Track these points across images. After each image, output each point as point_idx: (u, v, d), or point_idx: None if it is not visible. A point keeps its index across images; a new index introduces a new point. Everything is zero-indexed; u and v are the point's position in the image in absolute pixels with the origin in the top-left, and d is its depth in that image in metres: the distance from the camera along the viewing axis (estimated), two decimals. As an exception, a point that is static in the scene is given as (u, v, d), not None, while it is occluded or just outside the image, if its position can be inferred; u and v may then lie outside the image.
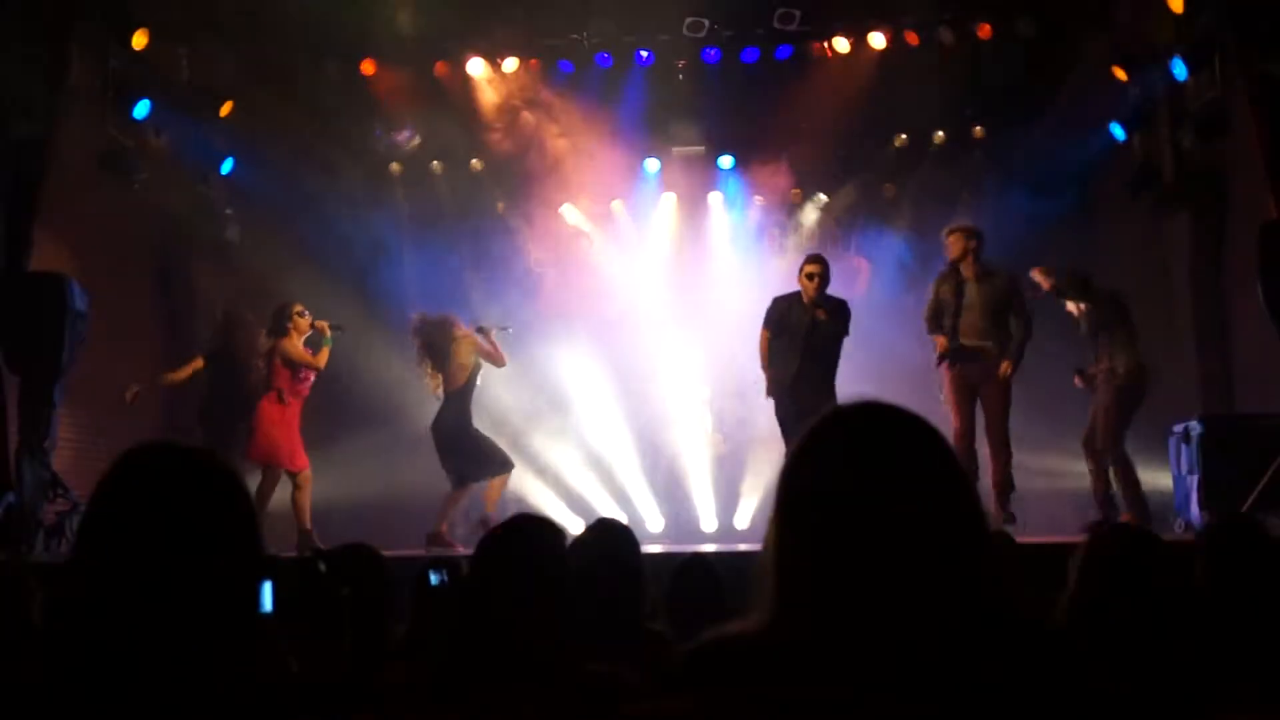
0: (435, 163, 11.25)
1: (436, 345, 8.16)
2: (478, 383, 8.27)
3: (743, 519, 9.87)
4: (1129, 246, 10.11)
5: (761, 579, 1.38)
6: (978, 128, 10.82)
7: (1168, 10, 8.70)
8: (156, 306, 9.75)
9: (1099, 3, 9.64)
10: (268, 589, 1.62)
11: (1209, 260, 9.54)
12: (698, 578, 3.95)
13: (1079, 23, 9.78)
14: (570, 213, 11.51)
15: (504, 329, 8.44)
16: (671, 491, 10.42)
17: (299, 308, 8.04)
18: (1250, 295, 7.82)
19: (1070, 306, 8.23)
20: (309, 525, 7.91)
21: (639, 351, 10.56)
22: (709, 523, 10.08)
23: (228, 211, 9.79)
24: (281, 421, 7.90)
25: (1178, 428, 8.14)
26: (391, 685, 2.08)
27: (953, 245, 7.96)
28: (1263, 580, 2.77)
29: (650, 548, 6.48)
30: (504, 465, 8.20)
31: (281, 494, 8.07)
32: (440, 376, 8.19)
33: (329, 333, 8.04)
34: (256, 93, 9.78)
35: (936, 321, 7.97)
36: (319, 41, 9.81)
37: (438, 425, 8.19)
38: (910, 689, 1.25)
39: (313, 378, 8.05)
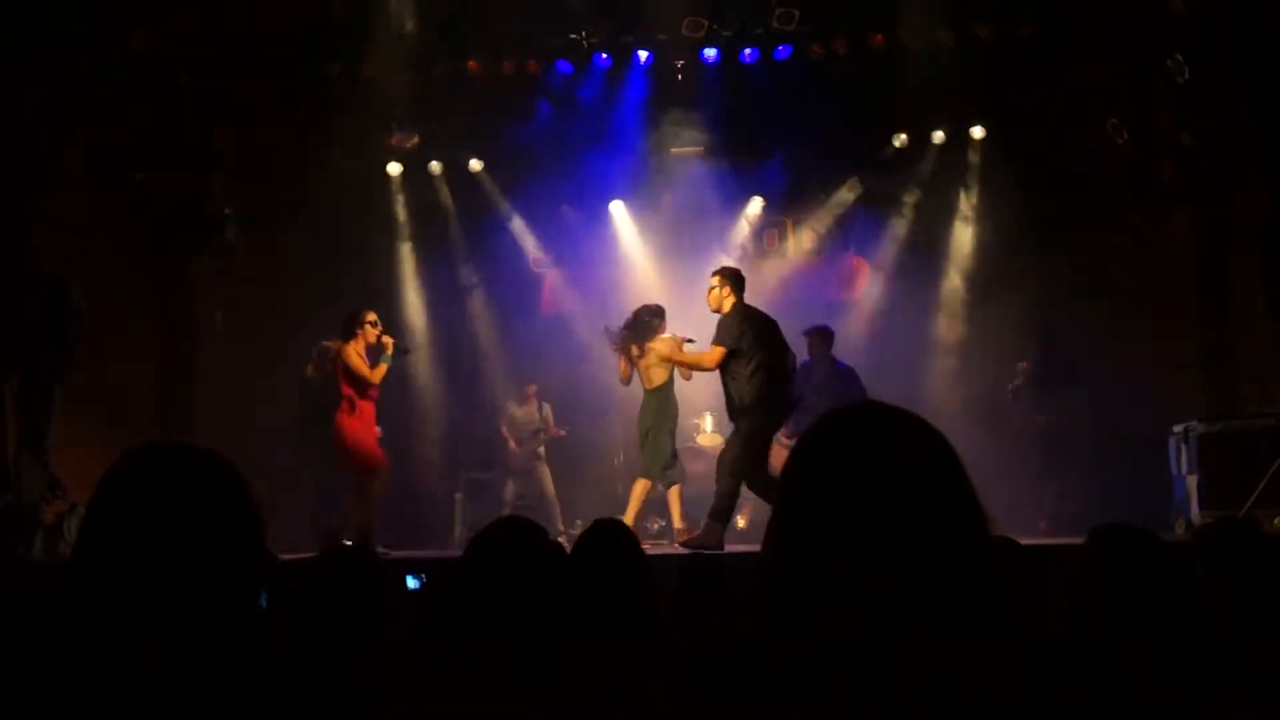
0: (434, 163, 11.25)
1: (639, 337, 8.44)
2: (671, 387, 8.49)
3: (742, 520, 9.84)
4: (1129, 246, 10.11)
5: (762, 580, 1.38)
6: (978, 128, 10.81)
7: (1168, 10, 8.70)
8: (156, 307, 9.74)
9: (1099, 3, 9.63)
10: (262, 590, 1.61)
11: (1209, 260, 9.54)
12: (701, 577, 3.95)
13: (1079, 23, 9.77)
14: (570, 213, 11.50)
15: (690, 340, 8.54)
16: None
17: (372, 317, 7.90)
18: (1250, 295, 7.83)
19: None
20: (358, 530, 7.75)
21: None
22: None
23: (227, 211, 9.78)
24: (358, 430, 7.80)
25: (1178, 428, 8.14)
26: (387, 687, 2.07)
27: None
28: (1259, 580, 2.77)
29: (650, 549, 6.47)
30: (673, 476, 8.45)
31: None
32: (627, 366, 8.44)
33: (390, 350, 7.87)
34: (256, 93, 9.78)
35: None
36: (319, 41, 9.81)
37: (639, 419, 8.51)
38: (909, 692, 1.25)
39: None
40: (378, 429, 8.05)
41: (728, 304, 7.54)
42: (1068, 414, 9.44)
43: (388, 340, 7.88)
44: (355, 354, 7.81)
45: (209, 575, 1.46)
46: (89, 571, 1.47)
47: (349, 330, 7.86)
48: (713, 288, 7.62)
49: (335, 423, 7.84)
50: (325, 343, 9.35)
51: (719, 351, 7.35)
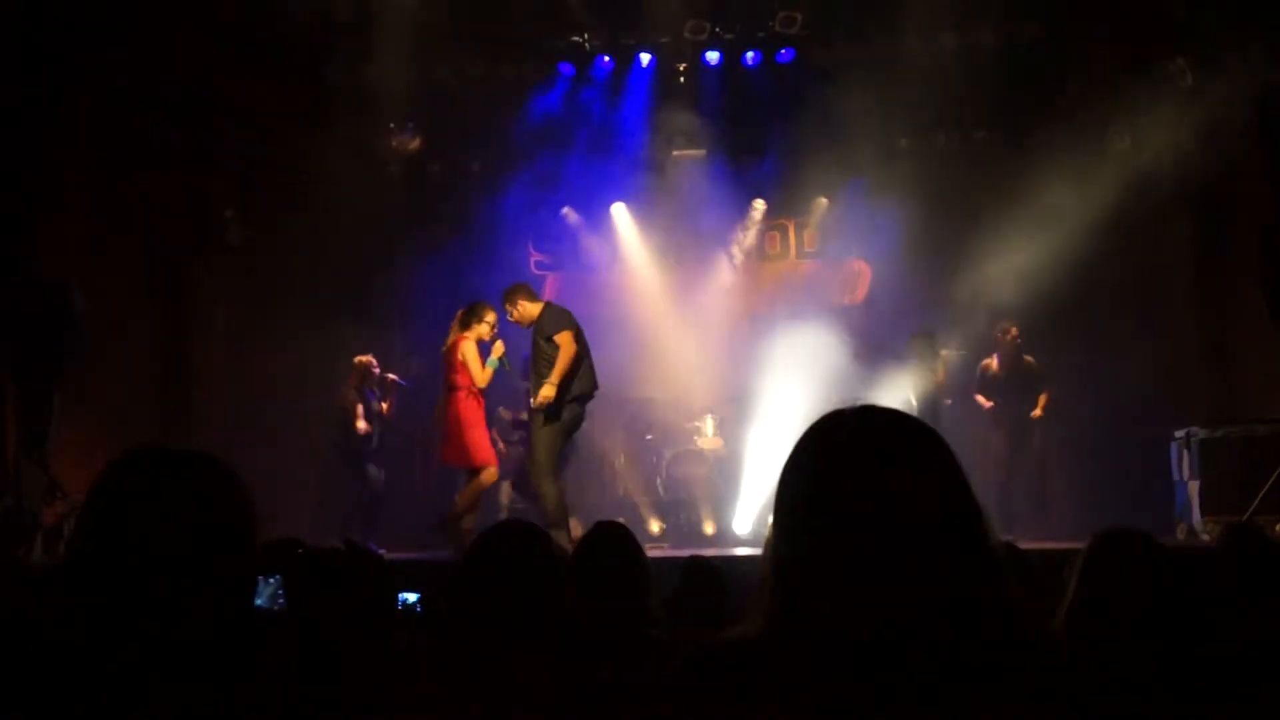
0: (435, 165, 11.25)
1: (903, 358, 9.00)
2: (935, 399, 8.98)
3: (743, 524, 9.85)
4: (1130, 250, 10.11)
5: (761, 583, 1.38)
6: (980, 131, 10.81)
7: (1169, 13, 8.70)
8: (156, 307, 9.74)
9: (1100, 6, 9.63)
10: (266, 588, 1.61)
11: (1210, 264, 9.54)
12: (701, 580, 3.95)
13: (1080, 26, 9.77)
14: (571, 215, 11.50)
15: (961, 352, 9.20)
16: (671, 495, 10.40)
17: (492, 317, 7.82)
18: (1251, 299, 7.82)
19: None
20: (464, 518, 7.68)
21: (639, 354, 10.57)
22: (709, 527, 10.07)
23: (228, 213, 9.78)
24: (468, 420, 7.69)
25: (1179, 433, 8.14)
26: (388, 689, 2.07)
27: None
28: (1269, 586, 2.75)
29: (650, 552, 6.48)
30: None
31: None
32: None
33: (498, 356, 7.73)
34: (257, 93, 9.77)
35: None
36: (320, 42, 9.80)
37: None
38: (909, 694, 1.24)
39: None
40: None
41: (535, 309, 7.54)
42: (1027, 414, 9.33)
43: (499, 345, 7.78)
44: (473, 346, 7.69)
45: (200, 576, 1.46)
46: (81, 576, 1.47)
47: (467, 321, 7.78)
48: (509, 312, 7.62)
49: (447, 410, 7.75)
50: (359, 358, 9.37)
51: (569, 335, 7.29)
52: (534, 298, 7.69)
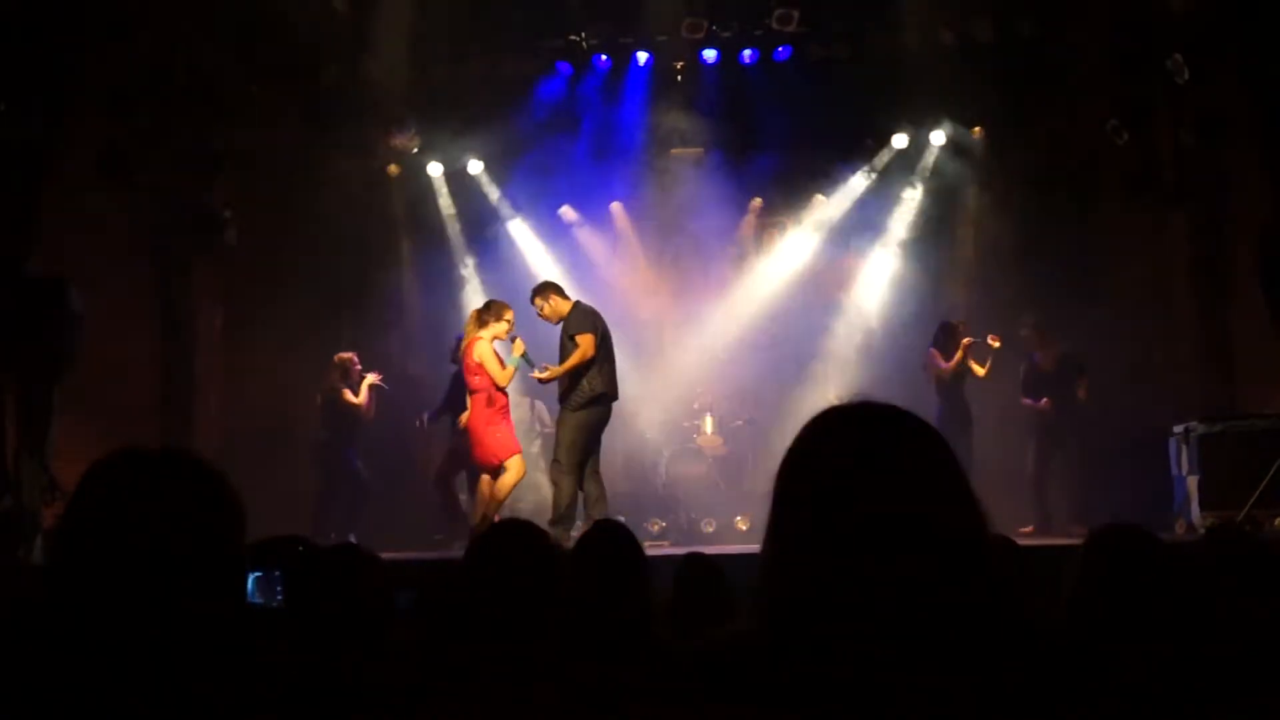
0: (434, 164, 11.25)
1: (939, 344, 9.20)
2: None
3: (742, 521, 9.85)
4: (1129, 247, 10.11)
5: (760, 580, 1.38)
6: (977, 128, 10.81)
7: (1168, 10, 8.70)
8: (156, 307, 9.74)
9: (1099, 3, 9.63)
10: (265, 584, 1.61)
11: (1208, 260, 9.54)
12: (699, 577, 3.95)
13: (1079, 22, 9.77)
14: (569, 213, 11.50)
15: (995, 345, 9.24)
16: (671, 493, 10.39)
17: (510, 315, 7.72)
18: (1250, 295, 7.83)
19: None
20: (478, 520, 7.63)
21: (638, 352, 10.54)
22: (709, 525, 10.06)
23: (227, 213, 9.78)
24: (494, 420, 7.65)
25: (1178, 428, 8.15)
26: (386, 688, 2.07)
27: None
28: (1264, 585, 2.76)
29: (650, 550, 6.46)
30: None
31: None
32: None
33: (521, 354, 7.66)
34: (256, 93, 9.77)
35: None
36: (319, 42, 9.80)
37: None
38: (909, 692, 1.25)
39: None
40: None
41: (565, 306, 7.61)
42: (1068, 410, 9.29)
43: (520, 345, 7.68)
44: (488, 346, 7.60)
45: (184, 577, 1.46)
46: (64, 578, 1.47)
47: (483, 320, 7.70)
48: (540, 308, 7.67)
49: (470, 413, 7.73)
50: (340, 355, 9.38)
51: (590, 338, 7.36)
52: (565, 294, 7.75)
